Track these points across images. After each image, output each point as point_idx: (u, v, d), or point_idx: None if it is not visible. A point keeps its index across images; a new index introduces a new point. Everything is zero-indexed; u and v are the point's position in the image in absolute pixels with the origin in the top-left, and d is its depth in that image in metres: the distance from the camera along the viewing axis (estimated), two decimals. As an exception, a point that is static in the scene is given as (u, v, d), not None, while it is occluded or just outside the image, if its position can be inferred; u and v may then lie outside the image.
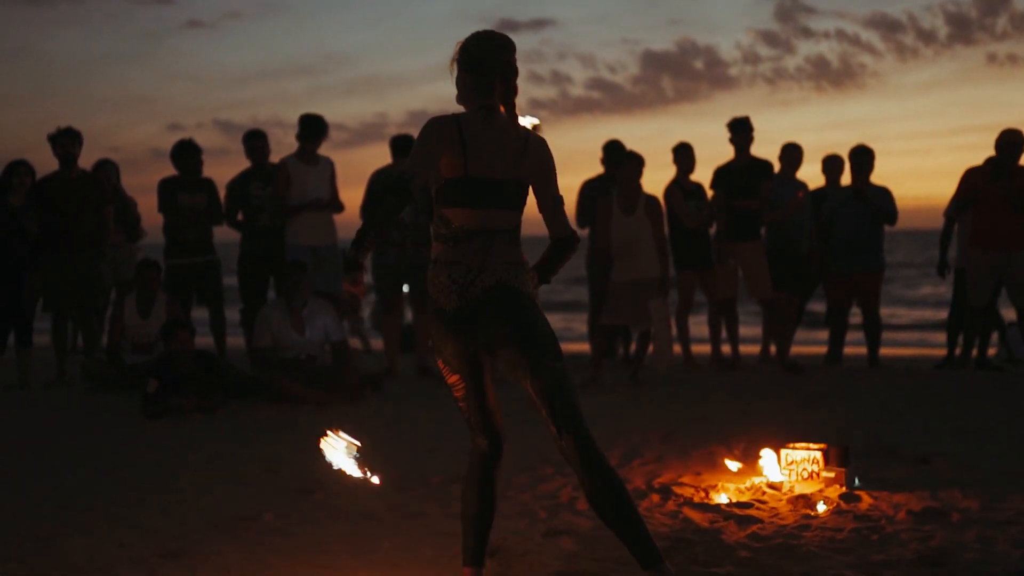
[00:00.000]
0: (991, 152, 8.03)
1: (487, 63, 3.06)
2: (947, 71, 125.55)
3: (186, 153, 7.89)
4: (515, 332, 2.99)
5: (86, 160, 7.99)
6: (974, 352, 8.21)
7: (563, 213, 3.21)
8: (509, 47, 3.10)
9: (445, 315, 3.05)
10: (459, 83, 3.11)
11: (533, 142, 3.12)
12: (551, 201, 3.17)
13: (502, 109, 3.09)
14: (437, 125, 3.02)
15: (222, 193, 8.02)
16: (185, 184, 7.89)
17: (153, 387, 6.40)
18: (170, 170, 7.97)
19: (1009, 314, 8.76)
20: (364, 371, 7.37)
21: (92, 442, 5.71)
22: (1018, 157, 7.90)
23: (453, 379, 3.13)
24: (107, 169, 8.37)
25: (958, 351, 8.37)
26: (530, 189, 3.14)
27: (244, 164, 8.07)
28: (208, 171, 8.11)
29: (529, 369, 2.96)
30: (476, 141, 3.02)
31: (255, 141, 7.96)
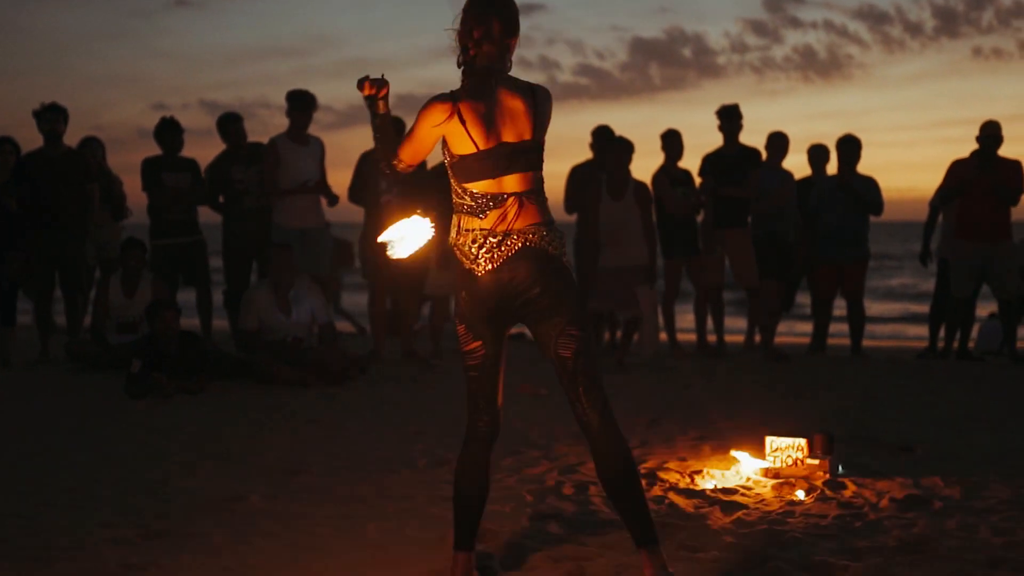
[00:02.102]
0: (975, 145, 8.09)
1: (477, 21, 3.02)
2: (933, 63, 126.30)
3: (167, 131, 7.85)
4: (541, 297, 2.99)
5: (70, 138, 7.93)
6: (955, 343, 8.29)
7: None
8: (493, 3, 3.02)
9: (473, 279, 3.03)
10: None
11: (540, 97, 3.06)
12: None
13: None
14: (434, 109, 3.02)
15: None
16: (169, 163, 7.84)
17: (137, 367, 6.38)
18: (155, 150, 7.93)
19: (983, 311, 8.84)
20: (350, 354, 7.36)
21: (75, 422, 5.68)
22: (997, 148, 7.98)
23: (472, 346, 3.07)
24: (92, 147, 8.31)
25: (941, 343, 8.44)
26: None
27: (223, 144, 8.01)
28: (193, 152, 8.09)
29: (554, 336, 2.99)
30: (477, 113, 3.00)
31: (232, 125, 7.92)
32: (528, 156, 3.04)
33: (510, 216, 3.01)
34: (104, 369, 7.05)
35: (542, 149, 3.09)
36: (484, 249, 3.01)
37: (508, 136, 3.02)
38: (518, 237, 3.00)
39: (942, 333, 8.45)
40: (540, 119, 3.04)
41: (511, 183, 3.02)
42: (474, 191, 3.04)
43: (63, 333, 8.23)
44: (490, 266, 3.00)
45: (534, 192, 3.04)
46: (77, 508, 4.02)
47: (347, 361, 7.01)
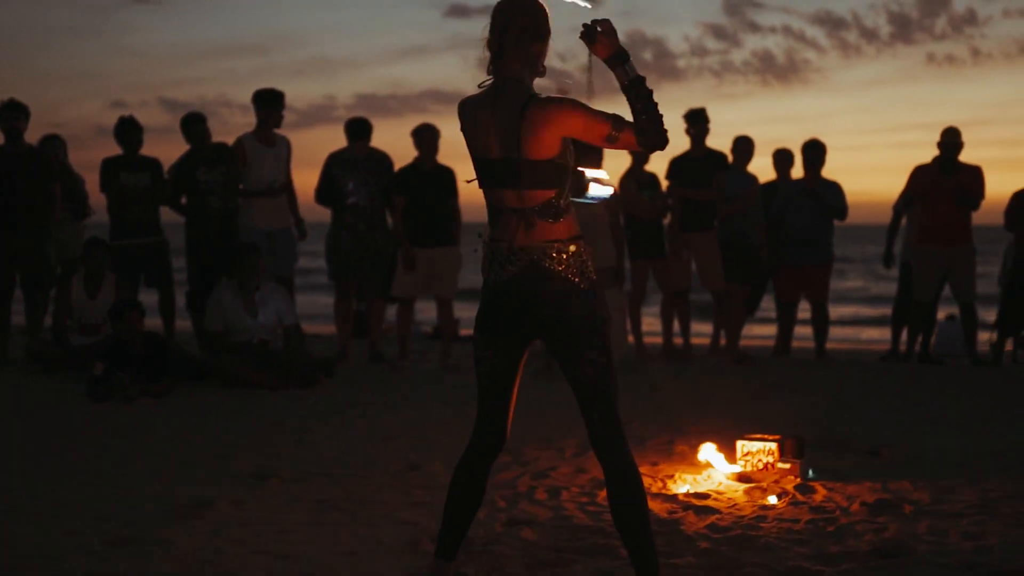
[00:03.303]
0: (928, 150, 8.25)
1: (492, 28, 2.91)
2: (888, 69, 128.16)
3: (127, 130, 7.73)
4: (554, 321, 2.88)
5: (29, 136, 7.78)
6: (917, 346, 8.40)
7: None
8: (503, 8, 2.89)
9: (486, 287, 2.96)
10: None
11: (531, 111, 2.83)
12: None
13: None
14: (460, 109, 2.97)
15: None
16: (128, 163, 7.73)
17: (100, 369, 6.27)
18: (113, 147, 7.81)
19: (940, 313, 8.97)
20: (317, 356, 7.30)
21: (36, 425, 5.57)
22: (958, 154, 8.11)
23: (483, 354, 2.98)
24: (54, 145, 8.16)
25: (903, 347, 8.54)
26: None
27: (186, 144, 7.91)
28: (153, 150, 7.97)
29: (567, 362, 2.91)
30: (471, 123, 2.93)
31: (195, 125, 7.82)
32: (514, 174, 2.87)
33: (514, 232, 2.89)
34: (65, 371, 6.93)
35: (537, 167, 2.85)
36: (495, 259, 2.93)
37: (494, 151, 2.90)
38: (527, 254, 2.88)
39: (904, 336, 8.56)
40: (526, 136, 2.83)
41: (508, 199, 2.91)
42: (489, 201, 2.97)
43: (22, 333, 8.07)
44: (501, 277, 2.92)
45: (541, 210, 2.87)
46: (40, 515, 3.93)
47: (314, 363, 6.95)
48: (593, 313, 2.91)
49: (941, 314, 9.46)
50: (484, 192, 2.98)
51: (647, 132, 2.82)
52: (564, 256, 2.89)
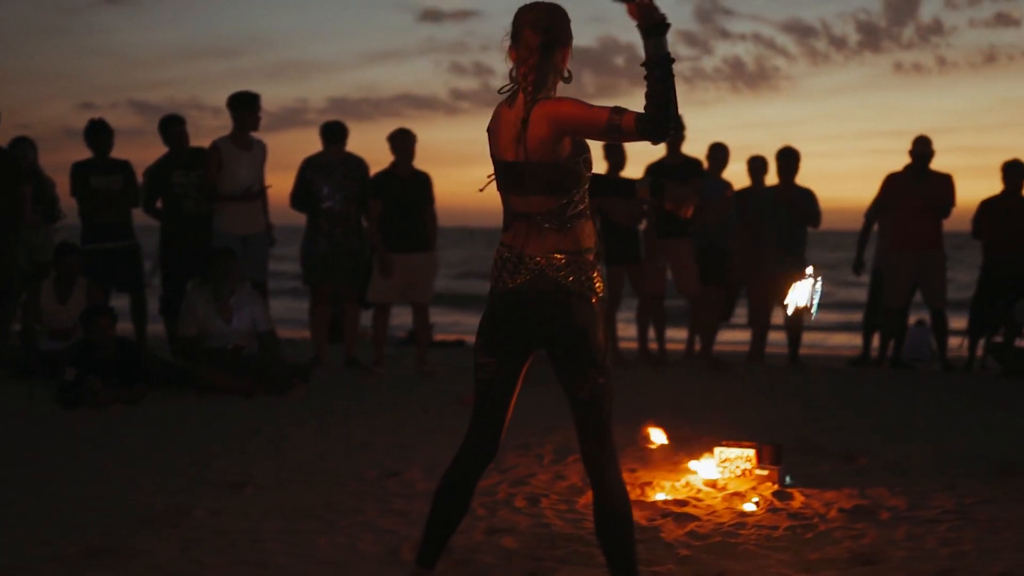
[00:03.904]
0: (896, 156, 8.39)
1: (512, 34, 2.86)
2: (856, 77, 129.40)
3: (97, 133, 7.65)
4: (556, 336, 2.83)
5: (0, 137, 7.69)
6: (889, 351, 8.48)
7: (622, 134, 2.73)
8: (523, 15, 2.83)
9: (492, 293, 2.91)
10: None
11: (535, 116, 2.77)
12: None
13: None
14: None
15: (140, 179, 7.79)
16: (99, 166, 7.65)
17: (71, 375, 6.19)
18: (83, 150, 7.73)
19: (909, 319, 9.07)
20: (292, 361, 7.24)
21: (6, 432, 5.49)
22: (929, 163, 8.20)
23: (483, 360, 2.92)
24: (24, 147, 8.05)
25: (875, 352, 8.63)
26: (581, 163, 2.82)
27: (159, 146, 7.84)
28: (123, 152, 7.93)
29: (565, 378, 2.87)
30: (494, 125, 2.90)
31: (173, 127, 7.75)
32: (519, 177, 2.84)
33: (523, 238, 2.84)
34: (35, 377, 6.83)
35: (542, 170, 2.79)
36: (503, 267, 2.88)
37: (508, 153, 2.86)
38: (532, 262, 2.82)
39: (876, 342, 8.64)
40: (529, 137, 2.78)
41: (517, 203, 2.87)
42: (505, 205, 2.93)
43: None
44: (507, 286, 2.86)
45: (548, 217, 2.81)
46: (13, 525, 3.87)
47: (289, 369, 6.90)
48: (596, 331, 2.84)
49: (910, 319, 9.57)
50: (500, 196, 2.94)
51: (648, 116, 2.67)
52: (570, 269, 2.83)
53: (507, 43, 2.86)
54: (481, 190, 2.99)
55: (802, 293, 3.40)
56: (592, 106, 2.75)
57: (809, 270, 3.47)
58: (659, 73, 2.66)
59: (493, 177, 2.94)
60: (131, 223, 7.82)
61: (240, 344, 6.87)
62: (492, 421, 2.96)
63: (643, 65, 2.69)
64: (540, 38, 2.80)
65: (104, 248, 7.62)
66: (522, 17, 2.84)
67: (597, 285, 2.87)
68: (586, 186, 2.87)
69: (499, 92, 2.91)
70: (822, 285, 3.43)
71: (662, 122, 2.68)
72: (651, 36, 2.68)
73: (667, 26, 2.68)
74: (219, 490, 4.38)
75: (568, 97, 2.83)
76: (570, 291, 2.82)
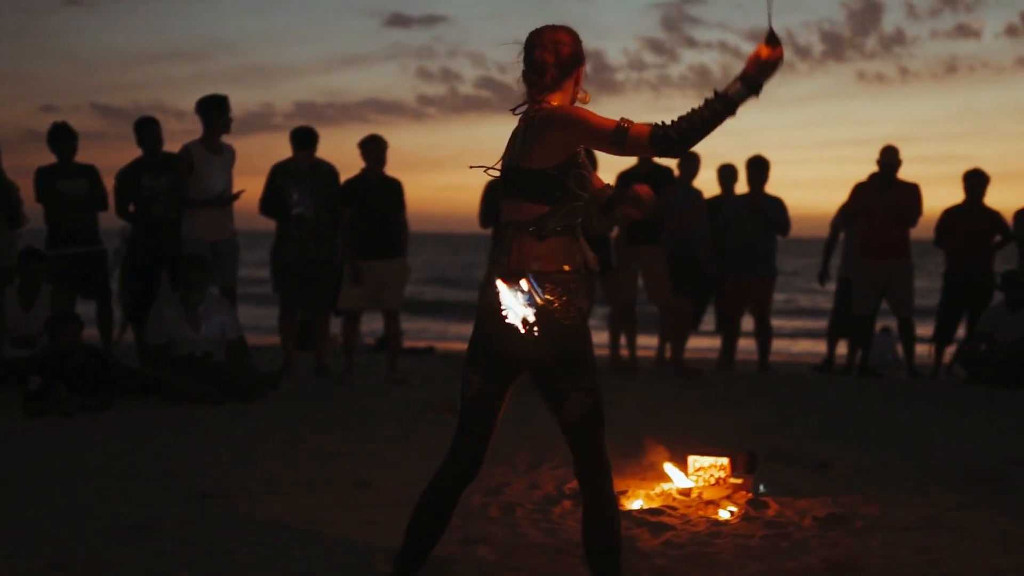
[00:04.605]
0: (859, 165, 8.58)
1: (525, 57, 2.89)
2: (821, 86, 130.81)
3: (60, 136, 7.53)
4: (540, 359, 2.80)
5: (-39, 141, 7.54)
6: (857, 359, 8.55)
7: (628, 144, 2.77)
8: (531, 38, 2.88)
9: (480, 310, 2.87)
10: None
11: (535, 122, 2.82)
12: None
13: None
14: None
15: (110, 183, 7.67)
16: (63, 170, 7.53)
17: (36, 384, 6.08)
18: (45, 153, 7.60)
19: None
20: (261, 369, 7.17)
21: (-31, 442, 5.38)
22: (896, 172, 8.29)
23: (470, 377, 2.89)
24: (-15, 151, 7.90)
25: (841, 360, 8.69)
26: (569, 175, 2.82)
27: (122, 149, 7.96)
28: (85, 156, 7.74)
29: (557, 399, 2.85)
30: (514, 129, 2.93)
31: (147, 129, 7.63)
32: (514, 182, 2.84)
33: (510, 249, 2.81)
34: (-2, 385, 6.71)
35: (530, 176, 2.79)
36: (489, 280, 2.85)
37: (506, 159, 2.91)
38: (515, 276, 2.78)
39: (840, 350, 8.71)
40: (529, 143, 2.80)
41: (506, 211, 2.87)
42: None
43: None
44: (493, 301, 2.82)
45: (530, 227, 2.79)
46: (-23, 537, 3.78)
47: (259, 377, 6.82)
48: (581, 354, 2.81)
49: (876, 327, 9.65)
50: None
51: (677, 128, 2.69)
52: (550, 284, 2.79)
53: (519, 65, 2.88)
54: (486, 170, 2.96)
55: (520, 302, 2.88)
56: (598, 116, 2.79)
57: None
58: (720, 108, 2.73)
59: (491, 168, 2.95)
60: (97, 228, 7.70)
61: (209, 351, 6.78)
62: (476, 439, 2.93)
63: (715, 93, 2.74)
64: (553, 59, 2.83)
65: (70, 253, 7.49)
66: (534, 39, 2.87)
67: (577, 303, 2.82)
68: (575, 203, 2.85)
69: (512, 112, 2.91)
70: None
71: (687, 140, 2.73)
72: (748, 86, 2.74)
73: (759, 91, 2.76)
74: (189, 501, 4.32)
75: (577, 105, 2.87)
76: (544, 309, 2.78)
